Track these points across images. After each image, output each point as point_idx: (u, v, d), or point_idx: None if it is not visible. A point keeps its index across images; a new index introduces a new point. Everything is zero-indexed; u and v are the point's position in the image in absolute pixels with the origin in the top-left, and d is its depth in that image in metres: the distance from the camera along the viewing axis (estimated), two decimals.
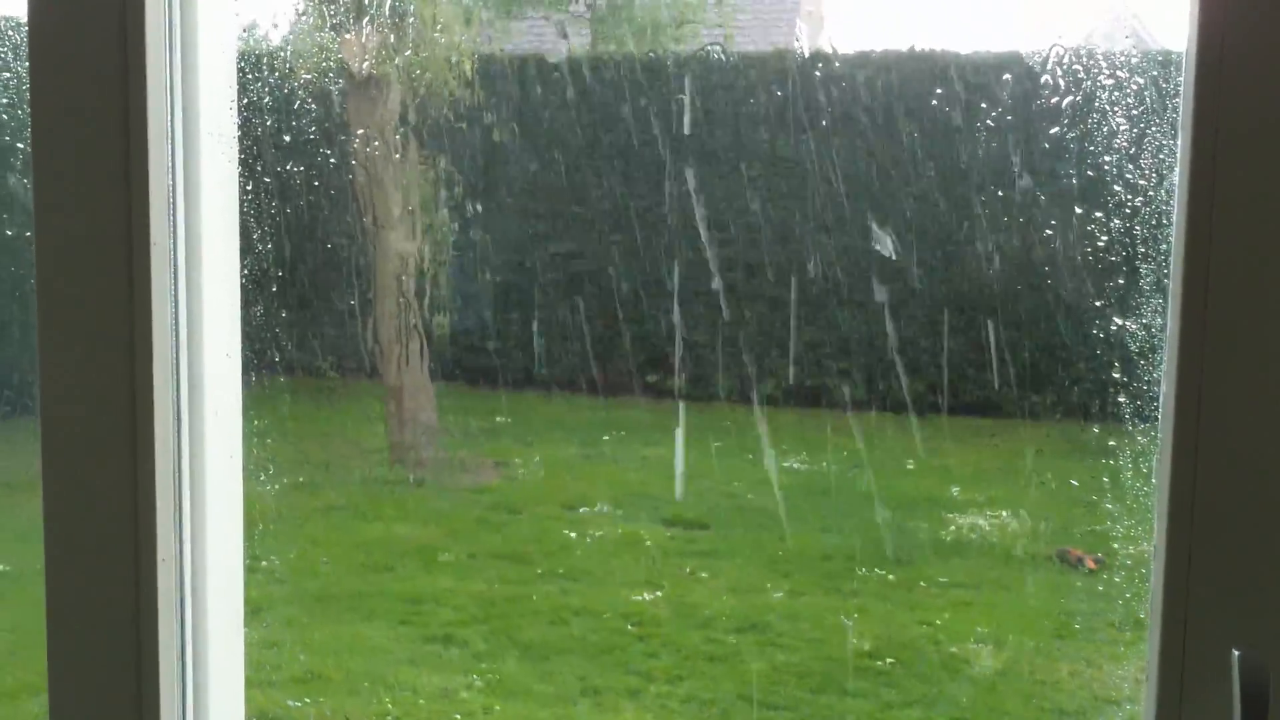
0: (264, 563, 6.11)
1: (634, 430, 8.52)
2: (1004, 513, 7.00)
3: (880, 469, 7.94)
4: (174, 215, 1.38)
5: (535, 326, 9.77)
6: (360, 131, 8.28)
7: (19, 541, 6.05)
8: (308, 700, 5.20)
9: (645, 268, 9.61)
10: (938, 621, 5.57)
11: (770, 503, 7.02)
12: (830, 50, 9.73)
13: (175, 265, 1.38)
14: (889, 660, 5.50)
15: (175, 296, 1.36)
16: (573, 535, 6.44)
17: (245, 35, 9.22)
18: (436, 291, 9.02)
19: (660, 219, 9.61)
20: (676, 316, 9.58)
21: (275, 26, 9.11)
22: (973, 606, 5.70)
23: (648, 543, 6.32)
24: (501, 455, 7.68)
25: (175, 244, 1.38)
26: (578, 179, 9.75)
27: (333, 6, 7.99)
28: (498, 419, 8.53)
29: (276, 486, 7.33)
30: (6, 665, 5.14)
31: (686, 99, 9.65)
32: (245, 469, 7.03)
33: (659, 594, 5.63)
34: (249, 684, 5.14)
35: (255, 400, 7.81)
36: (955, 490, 7.36)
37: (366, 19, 8.05)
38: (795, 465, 7.75)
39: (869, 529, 6.60)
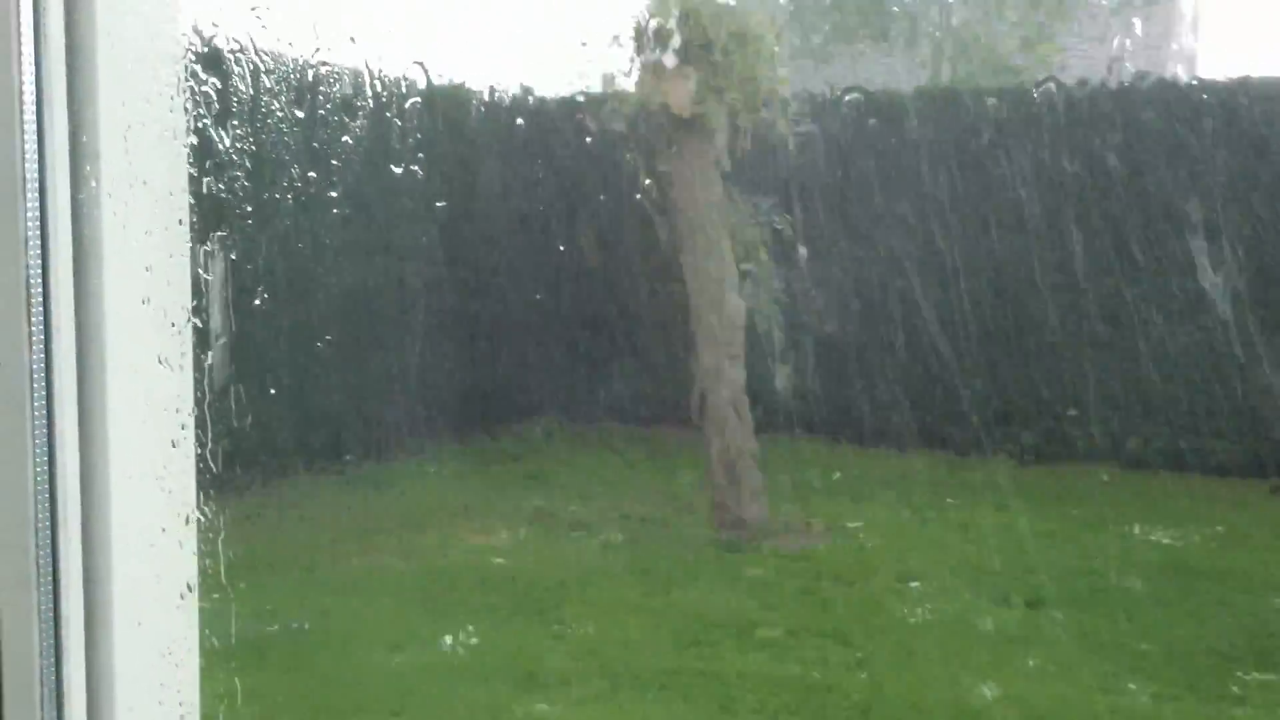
0: (570, 630, 5.84)
1: (978, 491, 7.83)
2: None
3: (1263, 546, 6.95)
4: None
5: (871, 378, 9.20)
6: (685, 174, 7.99)
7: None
8: None
9: (991, 315, 8.88)
10: None
11: (1130, 582, 6.22)
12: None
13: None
14: None
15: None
16: (902, 613, 5.87)
17: (579, 81, 9.14)
18: (767, 341, 8.61)
19: (1021, 262, 8.85)
20: (1026, 368, 8.82)
21: (584, 76, 9.02)
22: None
23: (987, 625, 5.68)
24: (832, 518, 7.17)
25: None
26: (916, 219, 9.16)
27: (657, 50, 7.76)
28: (833, 476, 8.00)
29: (594, 542, 7.10)
30: None
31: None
32: (565, 521, 6.75)
33: (994, 690, 4.99)
34: None
35: (570, 453, 7.54)
36: None
37: (691, 61, 7.78)
38: (1162, 538, 6.90)
39: (1252, 618, 5.73)
